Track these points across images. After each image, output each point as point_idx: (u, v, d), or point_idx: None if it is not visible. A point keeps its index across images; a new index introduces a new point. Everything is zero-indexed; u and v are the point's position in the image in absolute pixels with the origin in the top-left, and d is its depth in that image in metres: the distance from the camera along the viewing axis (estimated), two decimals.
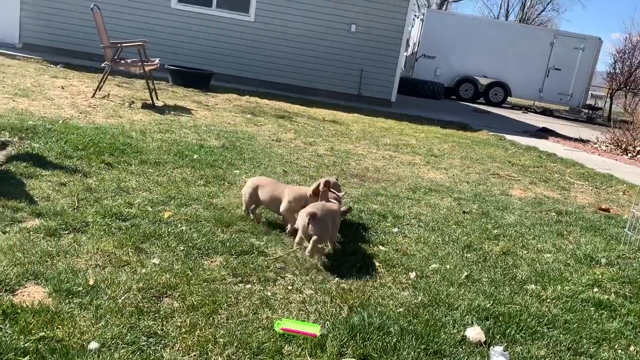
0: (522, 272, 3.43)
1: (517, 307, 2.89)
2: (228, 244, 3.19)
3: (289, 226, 3.49)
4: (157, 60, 8.22)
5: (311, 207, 3.21)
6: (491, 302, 2.90)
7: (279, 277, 2.89)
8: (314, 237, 3.07)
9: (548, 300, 3.06)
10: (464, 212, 4.64)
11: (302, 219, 3.15)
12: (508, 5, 45.08)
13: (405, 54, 17.26)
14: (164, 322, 2.29)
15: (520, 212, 4.89)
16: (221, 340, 2.21)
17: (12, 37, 11.93)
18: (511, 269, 3.46)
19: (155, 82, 8.29)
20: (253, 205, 3.65)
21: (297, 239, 3.20)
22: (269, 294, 2.69)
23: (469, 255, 3.62)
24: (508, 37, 21.24)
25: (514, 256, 3.72)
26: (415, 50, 21.15)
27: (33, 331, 2.07)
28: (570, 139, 12.15)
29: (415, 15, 21.59)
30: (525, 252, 3.85)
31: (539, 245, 4.02)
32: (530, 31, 23.91)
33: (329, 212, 3.22)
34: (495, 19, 40.57)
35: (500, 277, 3.30)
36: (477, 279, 3.22)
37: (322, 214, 3.15)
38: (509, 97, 22.18)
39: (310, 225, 3.09)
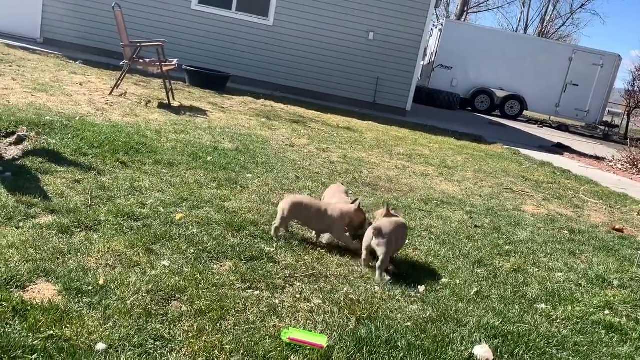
0: (533, 291, 3.39)
1: (527, 326, 2.86)
2: (238, 248, 3.19)
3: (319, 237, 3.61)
4: (175, 61, 8.28)
5: (378, 222, 3.31)
6: (500, 320, 2.87)
7: (287, 285, 2.89)
8: (383, 251, 3.15)
9: (558, 320, 3.02)
10: (475, 226, 4.61)
11: (368, 235, 3.25)
12: (527, 19, 44.60)
13: (422, 63, 17.24)
14: (172, 326, 2.29)
15: (532, 228, 4.85)
16: (228, 347, 2.21)
17: (33, 32, 12.09)
18: (522, 287, 3.42)
19: (172, 82, 8.34)
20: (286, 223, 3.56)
21: (363, 255, 3.28)
22: (277, 301, 2.69)
23: (479, 270, 3.59)
24: (526, 51, 21.13)
25: (524, 274, 3.68)
26: (433, 60, 21.11)
27: (42, 329, 2.09)
28: (585, 155, 12.04)
29: (433, 25, 21.57)
30: (537, 270, 3.81)
31: (550, 264, 3.98)
32: (549, 45, 23.76)
33: (395, 227, 3.30)
34: (514, 32, 40.39)
35: (511, 294, 3.27)
36: (486, 296, 3.19)
37: (389, 229, 3.23)
38: (525, 111, 22.03)
39: (375, 239, 3.19)
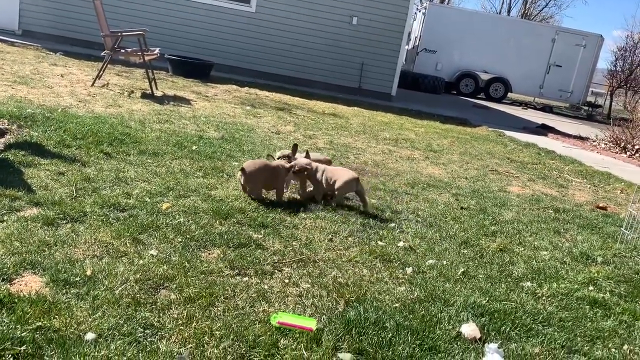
0: (519, 269, 3.44)
1: (513, 304, 2.90)
2: (226, 236, 3.20)
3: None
4: (157, 50, 8.19)
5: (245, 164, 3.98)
6: (487, 298, 2.91)
7: (276, 270, 2.90)
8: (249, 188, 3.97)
9: (543, 297, 3.07)
10: (461, 208, 4.65)
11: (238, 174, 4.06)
12: (510, 1, 44.66)
13: (406, 47, 17.21)
14: (161, 314, 2.29)
15: (517, 209, 4.90)
16: (217, 332, 2.22)
17: (11, 23, 11.85)
18: (507, 266, 3.47)
19: (155, 71, 8.25)
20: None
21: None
22: (265, 287, 2.70)
23: (465, 251, 3.63)
24: (510, 33, 21.18)
25: (510, 253, 3.73)
26: (417, 44, 21.08)
27: (30, 321, 2.08)
28: (569, 136, 12.15)
29: (417, 8, 21.50)
30: (522, 249, 3.86)
31: (535, 243, 4.04)
32: (532, 27, 23.82)
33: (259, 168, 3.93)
34: (497, 14, 40.43)
35: (497, 273, 3.32)
36: (473, 276, 3.23)
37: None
38: (509, 93, 22.14)
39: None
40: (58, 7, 11.79)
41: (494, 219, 4.45)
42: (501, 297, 2.98)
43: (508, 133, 10.39)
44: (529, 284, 3.23)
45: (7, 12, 11.79)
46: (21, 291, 2.28)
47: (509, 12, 43.51)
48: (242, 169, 3.87)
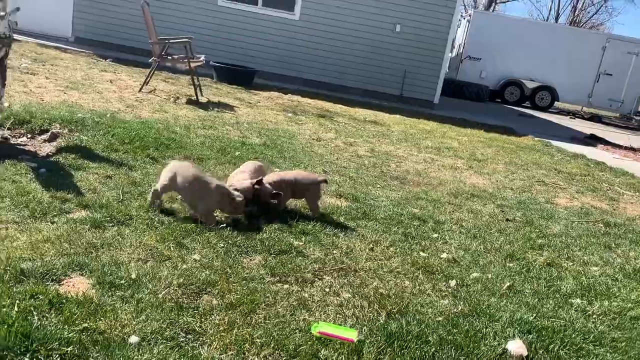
0: (567, 285, 3.31)
1: (562, 321, 2.79)
2: (267, 242, 3.20)
3: None
4: (202, 57, 8.34)
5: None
6: (534, 315, 2.81)
7: (316, 279, 2.88)
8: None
9: (594, 316, 2.95)
10: (507, 219, 4.53)
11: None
12: (559, 8, 43.53)
13: (450, 55, 17.00)
14: (203, 319, 2.31)
15: (566, 222, 4.74)
16: (258, 340, 2.21)
17: (65, 31, 12.33)
18: (555, 281, 3.35)
19: (200, 78, 8.41)
20: None
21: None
22: (306, 295, 2.69)
23: (511, 265, 3.52)
24: (557, 40, 20.60)
25: (558, 268, 3.60)
26: (461, 51, 20.79)
27: (77, 322, 2.12)
28: (620, 147, 11.70)
29: (461, 16, 21.22)
30: (571, 264, 3.72)
31: (585, 258, 3.88)
32: (581, 34, 23.15)
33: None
34: (544, 21, 39.52)
35: (544, 289, 3.20)
36: (519, 290, 3.13)
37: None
38: (556, 102, 21.53)
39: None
40: (109, 15, 12.19)
41: (540, 232, 4.31)
42: (549, 313, 2.87)
43: (555, 143, 10.09)
44: (578, 300, 3.11)
45: (62, 20, 12.27)
46: (69, 292, 2.34)
47: (556, 19, 42.48)
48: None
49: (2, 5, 4.08)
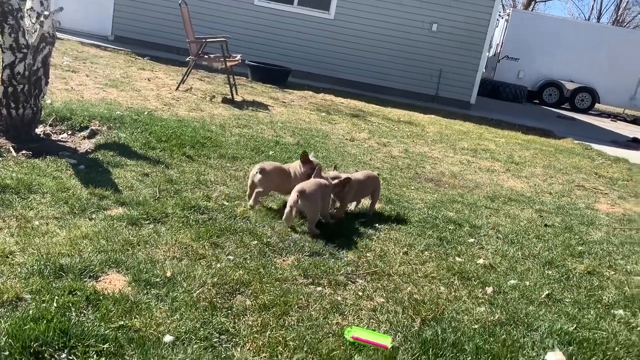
0: (609, 295, 3.19)
1: (604, 333, 2.69)
2: (300, 243, 3.19)
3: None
4: (238, 56, 8.40)
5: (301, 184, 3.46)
6: (574, 325, 2.72)
7: (349, 282, 2.85)
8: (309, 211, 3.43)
9: (638, 328, 2.83)
10: (545, 225, 4.40)
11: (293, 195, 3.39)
12: (601, 7, 42.35)
13: (487, 55, 16.70)
14: (236, 320, 2.30)
15: (607, 228, 4.58)
16: (291, 343, 2.20)
17: (105, 30, 12.61)
18: (597, 291, 3.23)
19: (235, 77, 8.46)
20: None
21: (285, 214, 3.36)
22: (339, 298, 2.66)
23: (550, 272, 3.42)
24: (599, 40, 19.99)
25: (600, 277, 3.47)
26: (498, 51, 20.40)
27: (113, 319, 2.15)
28: None
29: (499, 15, 20.82)
30: (613, 273, 3.59)
31: (628, 267, 3.74)
32: (624, 34, 22.43)
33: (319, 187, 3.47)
34: (585, 20, 38.47)
35: (585, 298, 3.10)
36: (559, 299, 3.03)
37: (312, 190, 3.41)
38: (596, 104, 20.91)
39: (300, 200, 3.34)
40: (147, 15, 12.40)
41: (580, 239, 4.18)
42: (590, 324, 2.77)
43: (595, 146, 9.79)
44: (621, 311, 2.99)
45: (102, 19, 12.56)
46: (106, 289, 2.37)
47: (598, 19, 41.27)
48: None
49: (46, 4, 4.18)
